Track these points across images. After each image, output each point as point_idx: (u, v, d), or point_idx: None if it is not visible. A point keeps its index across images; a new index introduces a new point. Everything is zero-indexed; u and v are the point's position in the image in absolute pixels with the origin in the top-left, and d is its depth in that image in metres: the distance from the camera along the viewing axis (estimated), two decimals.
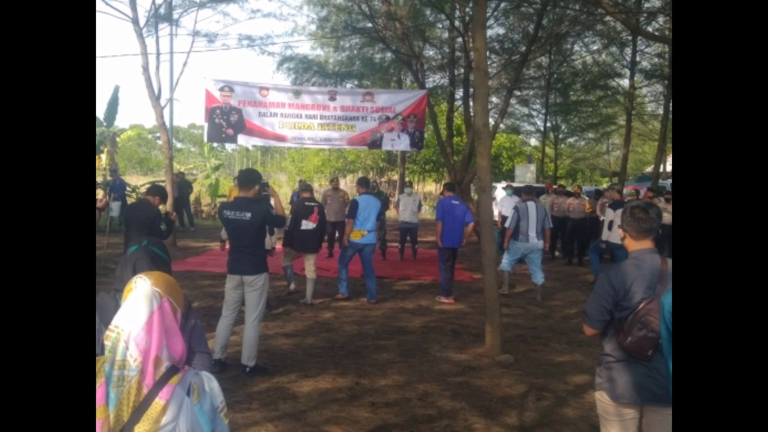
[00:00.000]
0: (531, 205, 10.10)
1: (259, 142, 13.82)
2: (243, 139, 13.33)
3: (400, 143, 14.00)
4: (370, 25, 17.11)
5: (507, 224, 10.41)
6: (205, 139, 13.68)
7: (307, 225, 9.16)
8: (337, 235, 13.93)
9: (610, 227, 10.67)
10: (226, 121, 12.88)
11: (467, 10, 15.42)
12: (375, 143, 13.87)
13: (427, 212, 26.14)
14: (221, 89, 12.93)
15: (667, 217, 12.53)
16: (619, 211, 9.88)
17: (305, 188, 9.88)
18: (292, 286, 9.92)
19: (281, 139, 13.37)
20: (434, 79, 21.63)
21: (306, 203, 9.31)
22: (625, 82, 23.22)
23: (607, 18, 15.88)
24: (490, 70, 13.77)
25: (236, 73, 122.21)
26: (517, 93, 24.32)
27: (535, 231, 10.00)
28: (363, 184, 9.89)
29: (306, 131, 13.29)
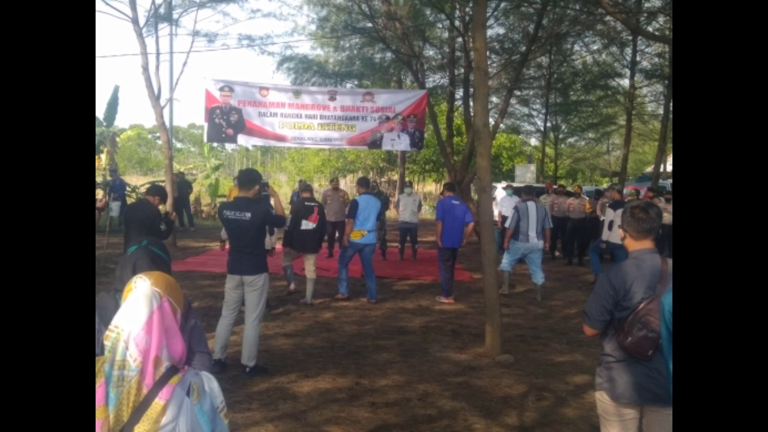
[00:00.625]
0: (531, 205, 10.11)
1: (259, 142, 13.80)
2: (243, 139, 13.33)
3: (400, 143, 14.00)
4: (370, 25, 17.11)
5: (507, 224, 10.41)
6: (205, 139, 13.69)
7: (307, 225, 9.19)
8: (337, 235, 13.94)
9: (610, 227, 10.68)
10: (226, 121, 12.89)
11: (467, 10, 15.42)
12: (375, 143, 13.85)
13: (427, 212, 26.14)
14: (221, 89, 12.94)
15: (667, 217, 12.52)
16: (620, 211, 9.93)
17: (305, 188, 9.91)
18: (292, 286, 9.93)
19: (281, 139, 13.37)
20: (434, 79, 21.63)
21: (306, 203, 9.33)
22: (625, 82, 23.24)
23: (607, 18, 15.88)
24: (490, 70, 13.78)
25: (236, 73, 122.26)
26: (517, 93, 24.31)
27: (535, 231, 10.02)
28: (363, 184, 9.92)
29: (306, 131, 13.29)
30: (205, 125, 13.03)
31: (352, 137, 13.56)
